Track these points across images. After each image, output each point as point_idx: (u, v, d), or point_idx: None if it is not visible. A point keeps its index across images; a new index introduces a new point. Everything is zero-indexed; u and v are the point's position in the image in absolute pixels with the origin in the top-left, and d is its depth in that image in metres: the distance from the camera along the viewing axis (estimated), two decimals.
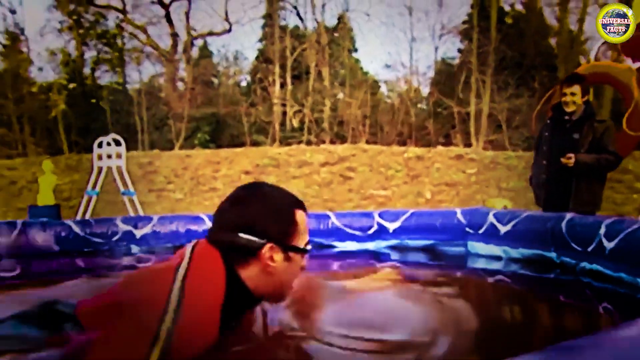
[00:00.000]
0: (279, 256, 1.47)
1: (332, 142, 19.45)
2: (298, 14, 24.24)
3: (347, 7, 24.61)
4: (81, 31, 23.46)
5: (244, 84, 24.84)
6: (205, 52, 24.74)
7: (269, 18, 24.33)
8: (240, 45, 31.38)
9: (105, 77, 24.25)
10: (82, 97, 22.06)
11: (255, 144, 20.32)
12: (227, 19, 24.10)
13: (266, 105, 22.10)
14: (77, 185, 14.62)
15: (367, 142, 18.94)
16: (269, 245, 1.45)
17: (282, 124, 22.00)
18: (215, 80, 24.35)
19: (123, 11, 23.66)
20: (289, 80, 22.82)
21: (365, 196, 14.19)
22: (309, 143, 19.39)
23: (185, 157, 16.39)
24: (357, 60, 24.93)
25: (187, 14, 23.89)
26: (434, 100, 22.03)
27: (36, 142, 19.43)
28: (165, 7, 23.76)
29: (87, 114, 21.23)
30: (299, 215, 1.55)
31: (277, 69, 22.87)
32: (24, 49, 22.07)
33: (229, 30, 24.34)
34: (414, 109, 22.37)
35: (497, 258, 3.57)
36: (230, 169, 15.70)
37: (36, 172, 13.18)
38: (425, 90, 23.94)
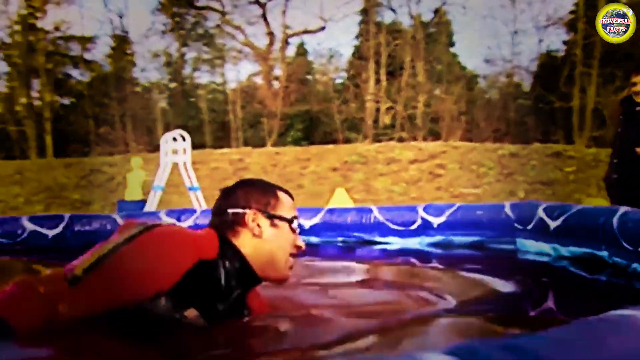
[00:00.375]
0: (264, 222, 1.57)
1: (425, 138, 18.95)
2: (392, 9, 23.84)
3: (444, 0, 23.77)
4: (182, 32, 24.26)
5: (339, 81, 24.77)
6: (301, 50, 24.88)
7: (365, 14, 24.10)
8: (336, 42, 31.29)
9: (204, 77, 24.99)
10: (181, 96, 22.83)
11: (347, 141, 20.16)
12: (322, 17, 24.10)
13: (359, 102, 21.89)
14: (170, 180, 15.09)
15: (461, 138, 18.28)
16: (252, 211, 1.56)
17: (376, 120, 21.72)
18: (310, 78, 24.43)
19: (222, 12, 24.21)
20: (383, 76, 22.50)
21: (455, 194, 13.67)
22: (401, 140, 18.99)
23: (275, 154, 16.51)
24: (454, 55, 24.19)
25: (283, 13, 24.12)
26: (535, 95, 20.95)
27: (136, 139, 20.28)
28: (262, 6, 24.08)
29: (185, 112, 21.93)
30: (282, 194, 1.67)
31: (371, 65, 22.61)
32: (129, 51, 23.13)
33: (324, 28, 24.32)
34: (513, 105, 21.40)
35: (547, 256, 3.17)
36: (319, 165, 15.63)
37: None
38: (526, 85, 22.86)
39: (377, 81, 22.61)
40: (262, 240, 1.56)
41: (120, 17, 23.18)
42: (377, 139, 19.58)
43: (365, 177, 14.85)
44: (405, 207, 4.19)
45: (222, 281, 1.49)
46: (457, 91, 21.49)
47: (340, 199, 10.06)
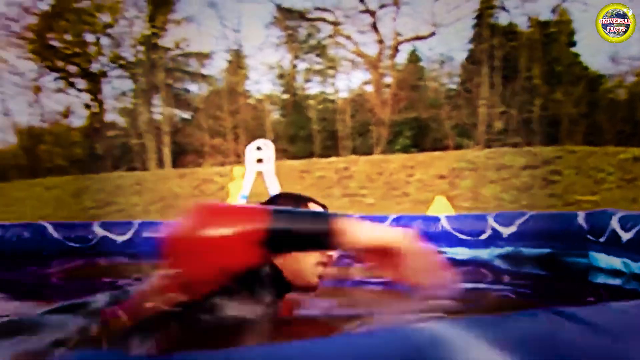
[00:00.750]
0: None
1: (541, 143, 18.01)
2: (506, 9, 22.96)
3: None
4: (295, 44, 24.74)
5: (452, 86, 24.24)
6: (413, 57, 24.58)
7: (479, 17, 23.40)
8: (448, 47, 30.58)
9: (315, 87, 25.34)
10: (293, 107, 23.24)
11: (458, 147, 19.60)
12: (433, 22, 23.69)
13: (471, 107, 21.24)
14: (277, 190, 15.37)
15: (581, 142, 17.17)
16: None
17: (489, 126, 20.96)
18: (421, 84, 24.05)
19: (334, 23, 24.42)
20: (497, 80, 21.71)
21: (569, 202, 12.82)
22: (515, 145, 18.17)
23: (381, 162, 16.35)
24: (576, 55, 22.86)
25: (394, 20, 23.98)
26: None
27: None
28: (373, 14, 24.05)
29: (296, 123, 22.29)
30: (314, 205, 1.67)
31: (485, 69, 21.91)
32: (243, 65, 23.91)
33: (435, 33, 23.87)
34: None
35: (619, 275, 2.81)
36: (425, 173, 15.29)
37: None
38: None
39: (491, 85, 21.85)
40: None
41: (237, 32, 24.07)
42: (489, 144, 18.88)
43: (473, 185, 14.33)
44: (474, 215, 3.93)
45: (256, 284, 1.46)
46: (578, 92, 20.30)
47: (440, 207, 9.74)
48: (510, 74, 21.37)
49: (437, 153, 16.52)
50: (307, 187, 15.60)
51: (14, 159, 22.02)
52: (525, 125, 20.10)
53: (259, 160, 8.58)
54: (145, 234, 4.32)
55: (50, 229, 4.13)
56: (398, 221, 4.03)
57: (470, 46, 23.53)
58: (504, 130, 20.42)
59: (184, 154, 21.25)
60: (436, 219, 3.90)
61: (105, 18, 22.85)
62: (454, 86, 23.80)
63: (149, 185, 16.66)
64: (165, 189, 16.21)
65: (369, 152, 19.31)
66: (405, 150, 19.77)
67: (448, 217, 3.87)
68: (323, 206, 1.69)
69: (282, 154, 20.40)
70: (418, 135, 21.50)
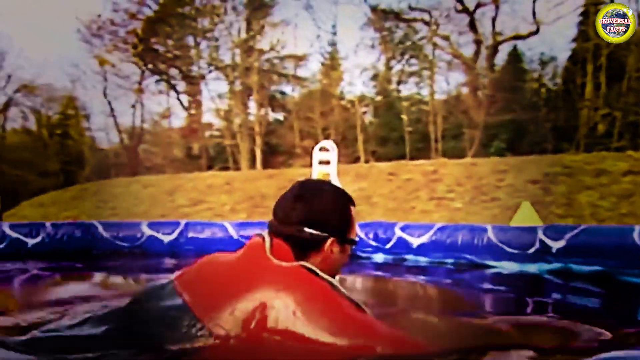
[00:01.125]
0: (337, 248, 1.61)
1: None
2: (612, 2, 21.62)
3: None
4: (390, 45, 24.47)
5: (552, 87, 23.16)
6: (513, 57, 23.68)
7: (584, 14, 22.22)
8: (549, 47, 29.04)
9: (409, 89, 24.94)
10: (385, 109, 22.99)
11: (559, 151, 18.65)
12: (534, 20, 22.66)
13: (572, 109, 20.18)
14: (364, 192, 15.22)
15: None
16: (331, 239, 1.59)
17: (591, 128, 19.84)
18: (520, 85, 23.10)
19: (431, 23, 23.94)
20: (601, 81, 20.52)
21: None
22: (620, 149, 17.05)
23: (471, 165, 15.86)
24: None
25: (493, 20, 23.15)
26: None
27: (338, 151, 20.75)
28: (471, 14, 23.36)
29: (389, 124, 22.03)
30: (353, 211, 1.72)
31: (589, 69, 20.77)
32: (337, 66, 23.93)
33: (536, 32, 22.84)
34: None
35: None
36: (517, 178, 14.66)
37: None
38: None
39: (596, 86, 20.67)
40: (329, 264, 1.59)
41: (334, 34, 24.16)
42: (590, 148, 17.84)
43: (568, 191, 13.56)
44: (523, 227, 3.66)
45: None
46: None
47: (525, 214, 9.26)
48: (616, 74, 20.13)
49: (530, 157, 15.82)
50: (394, 189, 15.42)
51: (116, 157, 23.25)
52: (631, 129, 18.84)
53: (324, 162, 8.48)
54: (191, 234, 4.36)
55: (100, 228, 4.24)
56: (443, 230, 3.82)
57: (574, 45, 22.38)
58: (607, 133, 19.26)
59: (274, 155, 21.56)
60: (483, 230, 3.67)
61: (205, 22, 23.59)
62: (554, 87, 22.76)
63: (237, 185, 16.99)
64: (253, 188, 16.46)
65: (461, 155, 18.76)
66: (499, 153, 19.05)
67: (495, 228, 3.62)
68: (352, 200, 1.72)
69: (371, 155, 20.27)
70: (514, 139, 20.67)
